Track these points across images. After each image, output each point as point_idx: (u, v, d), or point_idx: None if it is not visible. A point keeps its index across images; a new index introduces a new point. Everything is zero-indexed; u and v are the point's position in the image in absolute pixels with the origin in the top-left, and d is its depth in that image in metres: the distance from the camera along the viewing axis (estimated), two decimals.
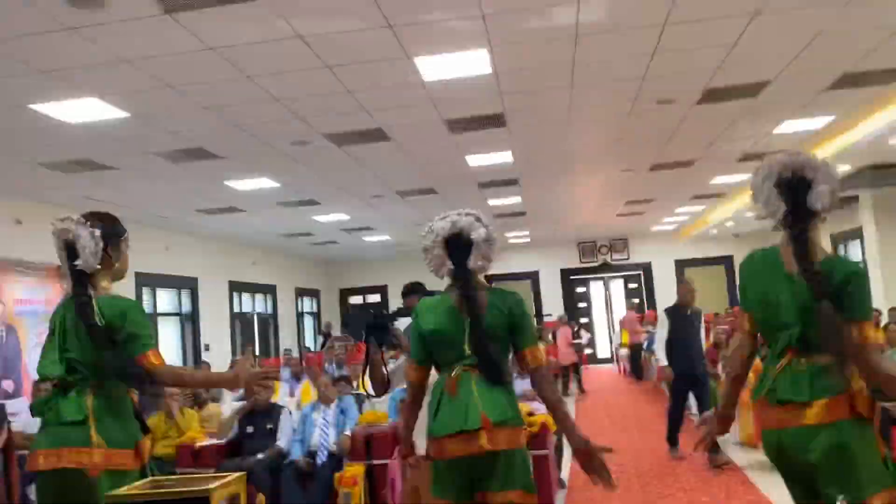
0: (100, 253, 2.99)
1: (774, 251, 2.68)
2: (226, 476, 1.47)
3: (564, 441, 6.78)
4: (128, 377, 3.00)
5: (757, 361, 3.19)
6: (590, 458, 2.78)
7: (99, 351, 2.93)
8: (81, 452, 2.84)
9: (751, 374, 2.95)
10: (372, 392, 3.91)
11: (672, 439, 7.43)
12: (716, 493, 5.77)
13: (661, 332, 7.46)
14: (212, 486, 1.40)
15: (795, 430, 2.49)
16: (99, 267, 2.99)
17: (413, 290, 4.35)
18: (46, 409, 2.96)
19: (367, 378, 3.81)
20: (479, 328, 2.86)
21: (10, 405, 6.33)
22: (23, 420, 6.14)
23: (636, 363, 15.30)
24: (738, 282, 2.87)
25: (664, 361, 7.42)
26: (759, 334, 2.75)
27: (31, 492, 4.95)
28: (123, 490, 1.53)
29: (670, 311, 7.46)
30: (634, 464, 7.16)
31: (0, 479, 5.80)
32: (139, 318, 3.00)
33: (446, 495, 2.86)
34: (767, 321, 2.66)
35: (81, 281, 2.98)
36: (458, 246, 2.94)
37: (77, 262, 2.97)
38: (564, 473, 6.71)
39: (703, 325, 7.71)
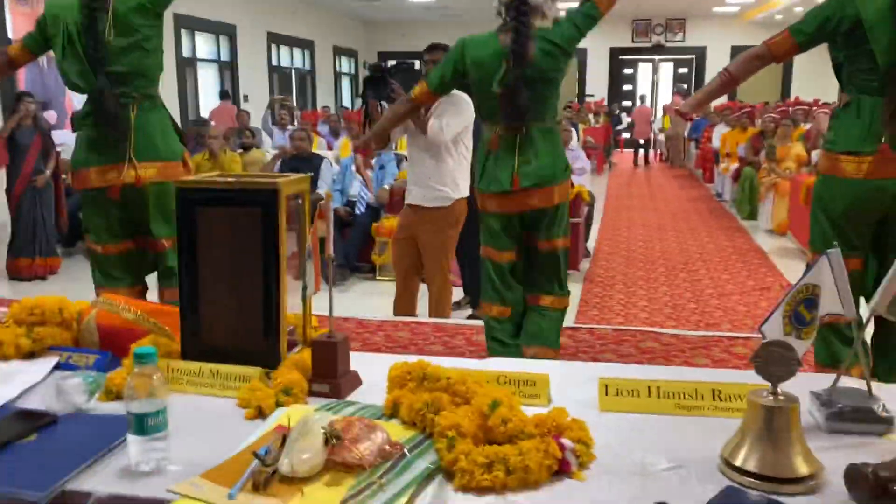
0: None
1: None
2: (291, 174, 1.51)
3: (594, 211, 6.97)
4: None
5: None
6: None
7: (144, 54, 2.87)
8: (133, 167, 2.91)
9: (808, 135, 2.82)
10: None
11: None
12: (737, 272, 5.95)
13: None
14: (281, 180, 1.44)
15: None
16: None
17: (437, 47, 3.97)
18: (85, 124, 2.92)
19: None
20: (517, 72, 2.75)
21: (54, 136, 6.47)
22: (68, 150, 6.30)
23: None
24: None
25: None
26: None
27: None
28: (194, 178, 1.58)
29: None
30: (660, 243, 7.34)
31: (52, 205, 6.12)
32: None
33: (495, 244, 3.00)
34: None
35: None
36: None
37: None
38: (591, 243, 6.93)
39: None
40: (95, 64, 2.83)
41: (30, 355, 1.68)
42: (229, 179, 1.57)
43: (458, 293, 5.13)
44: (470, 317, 4.59)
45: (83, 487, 1.16)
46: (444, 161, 3.85)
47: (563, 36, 2.83)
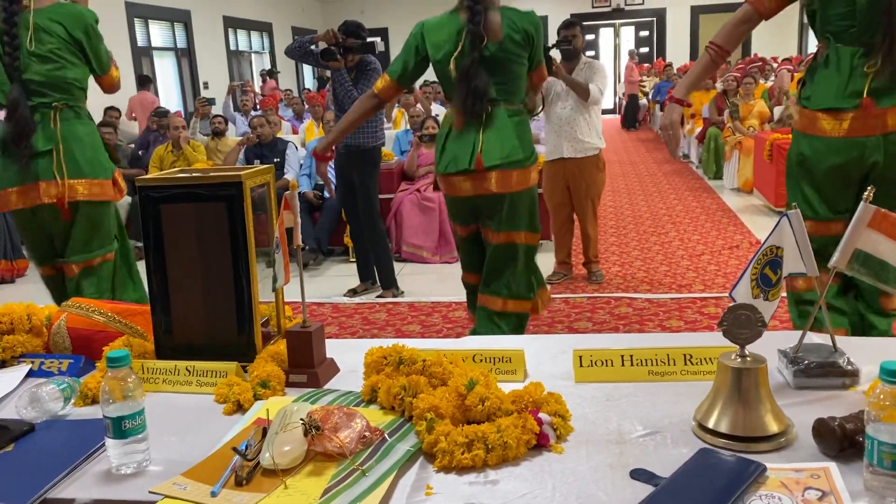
0: None
1: None
2: (254, 166, 1.49)
3: None
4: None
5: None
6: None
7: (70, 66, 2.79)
8: (60, 185, 2.76)
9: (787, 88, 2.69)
10: None
11: None
12: (707, 232, 6.03)
13: None
14: (243, 172, 1.43)
15: None
16: None
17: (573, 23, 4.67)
18: (2, 141, 2.79)
19: None
20: (474, 54, 2.66)
21: None
22: None
23: (629, 113, 15.64)
24: None
25: None
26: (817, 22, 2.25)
27: None
28: (154, 175, 1.56)
29: None
30: (630, 207, 7.40)
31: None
32: (97, 30, 2.84)
33: (456, 220, 2.94)
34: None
35: None
36: None
37: None
38: None
39: None
40: (11, 71, 2.73)
41: (0, 365, 1.67)
42: (191, 175, 1.55)
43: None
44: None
45: (65, 495, 1.15)
46: (593, 118, 4.65)
47: (533, 23, 2.74)
